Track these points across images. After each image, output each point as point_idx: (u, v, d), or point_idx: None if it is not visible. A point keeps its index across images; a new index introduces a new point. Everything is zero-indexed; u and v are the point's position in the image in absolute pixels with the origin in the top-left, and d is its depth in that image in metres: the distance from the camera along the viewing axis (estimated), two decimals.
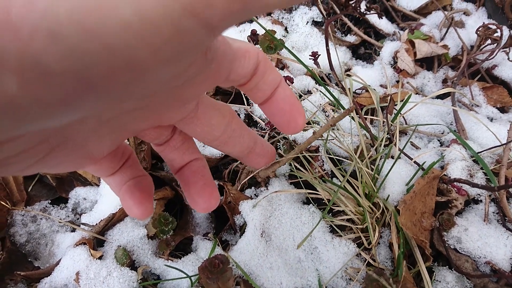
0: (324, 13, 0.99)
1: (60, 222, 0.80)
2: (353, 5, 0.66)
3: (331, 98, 0.81)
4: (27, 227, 0.81)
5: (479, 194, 0.76)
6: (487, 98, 0.90)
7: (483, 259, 0.69)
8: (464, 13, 1.04)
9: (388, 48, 0.98)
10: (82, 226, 0.75)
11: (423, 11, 1.07)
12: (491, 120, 0.88)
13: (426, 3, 1.06)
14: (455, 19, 1.02)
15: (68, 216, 0.82)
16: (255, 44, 0.90)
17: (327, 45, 0.76)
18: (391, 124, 0.78)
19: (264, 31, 0.86)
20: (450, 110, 0.88)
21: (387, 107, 0.76)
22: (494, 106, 0.90)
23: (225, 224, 0.86)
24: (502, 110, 0.91)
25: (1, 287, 0.73)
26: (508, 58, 0.90)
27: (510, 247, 0.69)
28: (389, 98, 0.75)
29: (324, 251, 0.71)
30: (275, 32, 0.88)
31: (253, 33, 0.89)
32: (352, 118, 0.80)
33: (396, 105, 0.85)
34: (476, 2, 1.06)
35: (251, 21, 1.04)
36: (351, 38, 1.04)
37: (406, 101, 0.78)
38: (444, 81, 0.95)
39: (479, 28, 0.89)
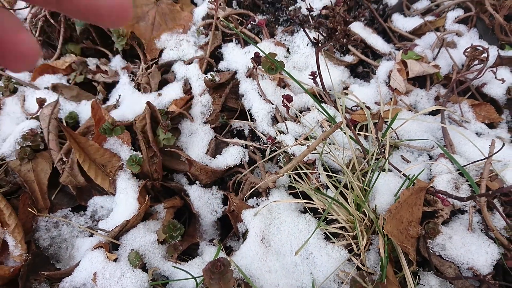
0: (319, 36, 1.07)
1: (80, 228, 0.88)
2: (338, 34, 0.74)
3: (329, 116, 0.88)
4: (50, 232, 0.90)
5: (464, 205, 0.81)
6: (476, 115, 0.96)
7: (465, 265, 0.74)
8: (456, 34, 1.11)
9: (383, 67, 1.05)
10: (99, 232, 0.83)
11: (418, 32, 1.14)
12: (479, 135, 0.94)
13: (420, 24, 1.12)
14: (448, 40, 1.09)
15: (86, 223, 0.90)
16: (258, 65, 0.98)
17: (318, 68, 0.83)
18: (382, 140, 0.84)
19: (268, 53, 0.94)
20: (440, 126, 0.94)
21: (377, 124, 0.83)
22: (482, 122, 0.96)
23: (229, 231, 0.93)
24: (491, 125, 0.97)
25: (26, 286, 0.81)
26: (496, 77, 0.96)
27: (491, 254, 0.75)
28: (379, 115, 0.81)
29: (318, 256, 0.78)
30: (275, 55, 0.96)
31: (256, 55, 0.97)
32: (345, 133, 0.86)
33: (387, 121, 0.91)
34: (468, 23, 1.12)
35: (256, 43, 1.12)
36: (349, 58, 1.11)
37: (394, 118, 0.85)
38: (436, 99, 1.01)
39: (466, 49, 0.96)
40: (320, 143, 0.83)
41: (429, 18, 1.14)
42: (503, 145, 0.76)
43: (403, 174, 0.82)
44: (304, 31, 0.87)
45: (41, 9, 1.12)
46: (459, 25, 1.12)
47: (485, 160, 0.79)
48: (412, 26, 1.14)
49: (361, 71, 1.13)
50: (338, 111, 0.89)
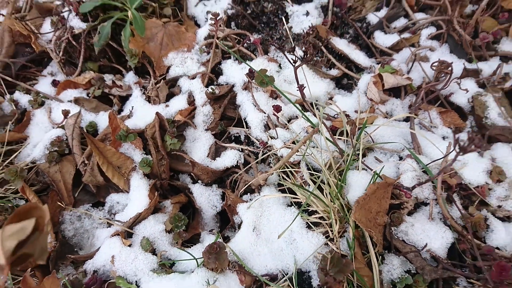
0: (306, 53, 1.21)
1: (99, 220, 1.03)
2: (315, 55, 0.88)
3: (310, 123, 1.02)
4: (74, 224, 1.05)
5: (427, 198, 0.95)
6: (443, 121, 1.10)
7: (423, 246, 0.88)
8: (429, 49, 1.24)
9: (364, 80, 1.19)
10: (116, 222, 0.98)
11: (396, 47, 1.28)
12: (444, 138, 1.08)
13: (397, 41, 1.26)
14: (421, 55, 1.23)
15: (105, 216, 1.05)
16: (252, 79, 1.13)
17: (297, 82, 0.97)
18: (356, 143, 0.99)
19: (260, 69, 1.09)
20: (415, 124, 1.07)
21: (351, 130, 0.97)
22: (448, 127, 1.09)
23: (227, 224, 1.07)
24: (457, 130, 1.10)
25: (55, 268, 0.97)
26: (460, 87, 1.09)
27: (446, 239, 0.88)
28: (351, 123, 0.96)
29: (300, 242, 0.92)
30: (266, 70, 1.11)
31: (250, 71, 1.12)
32: (326, 138, 1.01)
33: (365, 127, 1.05)
34: (440, 39, 1.26)
35: (251, 59, 1.27)
36: (334, 72, 1.25)
37: (364, 124, 0.99)
38: (410, 107, 1.15)
39: (433, 63, 1.10)
40: (301, 146, 0.97)
41: (406, 35, 1.28)
42: (450, 146, 0.89)
43: (374, 172, 0.96)
44: (284, 53, 1.01)
45: (65, 32, 1.29)
46: (432, 41, 1.26)
47: (443, 158, 0.92)
48: (391, 42, 1.28)
49: (346, 83, 1.27)
50: (317, 119, 1.03)
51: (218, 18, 1.20)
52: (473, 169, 0.98)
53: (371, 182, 0.91)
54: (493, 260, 0.79)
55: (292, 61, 0.86)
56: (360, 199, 0.87)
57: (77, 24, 1.28)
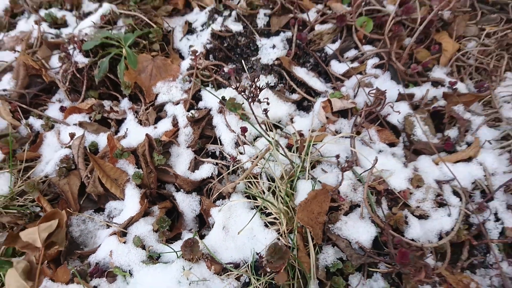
0: (277, 82, 1.46)
1: (100, 223, 1.28)
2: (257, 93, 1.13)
3: (269, 141, 1.27)
4: (79, 226, 1.30)
5: (360, 201, 1.19)
6: (380, 137, 1.34)
7: (354, 240, 1.12)
8: (374, 77, 1.49)
9: (318, 103, 1.44)
10: (113, 224, 1.23)
11: (347, 74, 1.52)
12: (380, 152, 1.32)
13: (347, 69, 1.51)
14: (366, 81, 1.47)
15: (104, 219, 1.30)
16: (223, 106, 1.37)
17: (253, 112, 1.21)
18: (305, 157, 1.23)
19: (230, 97, 1.34)
20: (355, 144, 1.32)
21: (299, 146, 1.22)
22: (383, 143, 1.34)
23: (204, 224, 1.32)
24: (392, 145, 1.35)
25: (65, 261, 1.21)
26: (393, 110, 1.34)
27: (370, 233, 1.12)
28: (305, 140, 1.20)
29: (259, 237, 1.16)
30: (235, 99, 1.36)
31: (223, 99, 1.37)
32: (282, 154, 1.25)
33: (315, 144, 1.30)
34: (383, 68, 1.50)
35: (226, 87, 1.51)
36: (295, 96, 1.50)
37: (311, 142, 1.24)
38: (355, 126, 1.40)
39: (370, 91, 1.34)
40: (259, 161, 1.22)
41: (355, 64, 1.53)
42: (376, 160, 1.14)
43: (319, 181, 1.20)
44: (243, 97, 1.26)
45: (70, 65, 1.54)
46: (376, 69, 1.50)
47: (369, 170, 1.17)
48: (343, 70, 1.53)
49: (306, 105, 1.51)
50: (275, 137, 1.28)
51: (197, 54, 1.45)
52: (398, 177, 1.22)
53: (312, 189, 1.15)
54: (401, 248, 1.03)
55: (246, 97, 1.10)
56: (302, 203, 1.12)
57: (80, 59, 1.53)
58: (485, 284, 1.10)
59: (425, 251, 1.12)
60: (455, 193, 1.21)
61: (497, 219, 1.17)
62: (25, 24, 1.78)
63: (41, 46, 1.66)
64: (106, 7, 1.64)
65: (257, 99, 1.10)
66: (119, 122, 1.50)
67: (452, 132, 1.31)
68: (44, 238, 0.70)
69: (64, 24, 1.78)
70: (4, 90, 1.51)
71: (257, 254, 1.11)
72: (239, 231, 1.14)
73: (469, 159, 1.25)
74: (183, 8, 1.83)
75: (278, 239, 1.15)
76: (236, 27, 1.63)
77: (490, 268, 1.13)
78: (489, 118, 1.31)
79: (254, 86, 1.09)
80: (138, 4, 1.77)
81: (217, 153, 1.41)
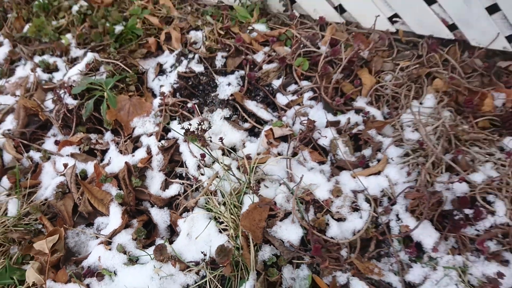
0: (231, 115, 1.80)
1: (91, 234, 1.61)
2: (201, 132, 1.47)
3: (222, 165, 1.61)
4: (74, 238, 1.62)
5: (296, 211, 1.53)
6: (311, 157, 1.69)
7: (286, 240, 1.46)
8: (309, 107, 1.84)
9: (265, 128, 1.78)
10: (101, 235, 1.56)
11: (288, 105, 1.87)
12: (311, 169, 1.66)
13: (288, 101, 1.86)
14: (303, 111, 1.82)
15: (94, 232, 1.63)
16: (187, 136, 1.71)
17: (204, 146, 1.56)
18: (250, 176, 1.57)
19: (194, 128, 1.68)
20: (292, 164, 1.66)
21: (245, 167, 1.56)
22: (314, 161, 1.68)
23: (174, 232, 1.65)
24: (321, 163, 1.69)
25: (64, 266, 1.54)
26: (321, 135, 1.69)
27: (298, 234, 1.46)
28: (249, 163, 1.55)
29: (214, 241, 1.49)
30: (194, 131, 1.70)
31: (187, 130, 1.71)
32: (233, 175, 1.59)
33: (260, 164, 1.64)
34: (316, 99, 1.86)
35: (189, 119, 1.85)
36: (246, 125, 1.85)
37: (255, 163, 1.58)
38: (295, 148, 1.74)
39: (302, 121, 1.69)
40: (214, 180, 1.56)
41: (295, 97, 1.88)
42: (302, 177, 1.48)
43: (259, 196, 1.54)
44: (194, 136, 1.60)
45: (62, 106, 1.87)
46: (311, 101, 1.85)
47: (297, 185, 1.51)
48: (285, 102, 1.88)
49: (256, 131, 1.86)
50: (222, 163, 1.62)
51: (165, 94, 1.80)
52: (322, 189, 1.57)
53: (253, 202, 1.50)
54: (316, 244, 1.37)
55: (197, 137, 1.44)
56: (245, 213, 1.46)
57: (70, 101, 1.87)
58: (387, 269, 1.44)
59: (341, 245, 1.46)
60: (367, 200, 1.56)
61: (398, 219, 1.52)
62: (22, 70, 2.12)
63: (37, 90, 1.99)
64: (90, 56, 1.98)
65: (203, 137, 1.44)
66: (103, 152, 1.83)
67: (367, 151, 1.66)
68: (50, 247, 1.04)
69: (56, 69, 2.12)
70: (8, 130, 1.84)
71: (204, 254, 1.45)
72: (197, 236, 1.48)
73: (378, 173, 1.60)
74: (156, 50, 2.17)
75: (228, 241, 1.48)
76: (198, 68, 1.98)
77: (391, 256, 1.47)
78: (396, 139, 1.66)
79: (200, 129, 1.43)
80: (117, 49, 2.11)
81: (183, 174, 1.74)
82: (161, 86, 1.98)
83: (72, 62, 2.13)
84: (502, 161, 1.53)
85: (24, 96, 1.94)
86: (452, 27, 1.82)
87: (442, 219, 1.49)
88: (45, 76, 2.07)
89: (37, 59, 2.15)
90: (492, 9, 1.66)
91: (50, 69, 2.12)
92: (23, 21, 2.31)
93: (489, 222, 1.43)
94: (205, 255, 1.42)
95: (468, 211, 1.45)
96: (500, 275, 1.27)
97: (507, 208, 1.42)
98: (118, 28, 2.14)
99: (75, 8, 2.26)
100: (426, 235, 1.45)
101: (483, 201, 1.46)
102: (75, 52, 2.17)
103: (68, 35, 2.21)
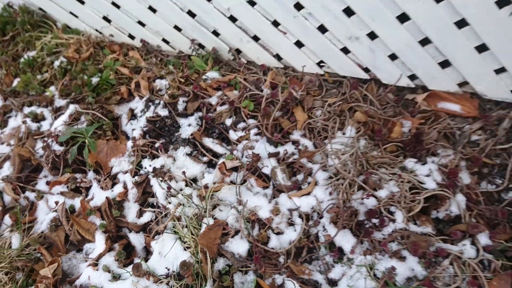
0: (192, 152, 2.20)
1: (81, 258, 1.99)
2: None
3: (185, 196, 2.00)
4: (67, 262, 2.00)
5: (240, 227, 1.93)
6: (257, 184, 2.09)
7: (236, 252, 1.86)
8: (255, 141, 2.25)
9: (219, 162, 2.18)
10: (89, 259, 1.94)
11: (238, 140, 2.27)
12: (257, 193, 2.07)
13: (238, 137, 2.26)
14: (250, 145, 2.23)
15: (83, 256, 2.01)
16: (155, 171, 2.11)
17: (170, 180, 1.96)
18: (207, 202, 1.97)
19: (160, 165, 2.08)
20: (242, 191, 2.05)
21: (201, 195, 1.96)
22: (259, 187, 2.09)
23: (149, 252, 2.03)
24: (265, 187, 2.10)
25: (60, 285, 1.91)
26: (263, 165, 2.10)
27: (246, 247, 1.86)
28: (206, 191, 1.95)
29: (180, 257, 1.88)
30: (164, 166, 2.09)
31: (155, 169, 2.10)
32: (193, 202, 1.98)
33: (216, 191, 2.04)
34: (261, 134, 2.26)
35: (158, 157, 2.25)
36: (205, 159, 2.25)
37: (210, 191, 1.98)
38: (244, 176, 2.14)
39: (247, 155, 2.09)
40: (178, 208, 1.96)
41: (243, 133, 2.29)
42: (247, 201, 1.89)
43: (215, 218, 1.94)
44: (159, 179, 1.99)
45: (50, 152, 2.25)
46: (256, 136, 2.26)
47: (244, 206, 1.91)
48: (236, 137, 2.28)
49: (214, 163, 2.26)
50: (184, 193, 2.01)
51: (136, 138, 2.19)
52: (265, 209, 1.97)
53: (208, 224, 1.90)
54: (258, 255, 1.77)
55: (162, 180, 1.84)
56: (202, 233, 1.85)
57: (57, 148, 2.25)
58: (315, 270, 1.85)
59: (279, 254, 1.86)
60: (300, 216, 1.96)
61: (324, 229, 1.93)
62: (14, 121, 2.49)
63: (28, 138, 2.37)
64: (72, 108, 2.36)
65: (168, 173, 1.83)
66: (88, 189, 2.21)
67: (300, 177, 2.07)
68: (52, 272, 1.42)
69: (43, 118, 2.49)
70: (7, 176, 2.21)
71: (168, 269, 1.84)
72: (166, 254, 1.88)
73: (308, 193, 2.01)
74: (128, 96, 2.56)
75: (191, 256, 1.88)
76: (163, 112, 2.38)
77: (319, 260, 1.88)
78: (322, 165, 2.08)
79: (167, 174, 1.83)
80: (95, 98, 2.50)
81: (155, 203, 2.14)
82: (133, 129, 2.37)
83: (57, 111, 2.51)
84: (402, 178, 1.95)
85: (17, 145, 2.32)
86: (367, 69, 2.25)
87: (358, 227, 1.91)
88: (34, 126, 2.45)
89: (26, 110, 2.53)
90: (393, 57, 2.10)
91: (38, 118, 2.49)
92: (12, 76, 2.68)
93: (391, 228, 1.85)
94: (168, 269, 1.81)
95: (375, 220, 1.87)
96: (393, 268, 1.69)
97: (404, 216, 1.84)
98: (95, 80, 2.52)
99: (57, 63, 2.64)
100: (346, 241, 1.86)
101: (386, 211, 1.88)
102: (59, 102, 2.54)
103: (52, 88, 2.59)
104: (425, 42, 1.95)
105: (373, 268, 1.78)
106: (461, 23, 1.80)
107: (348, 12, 1.96)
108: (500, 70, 1.93)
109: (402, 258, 1.79)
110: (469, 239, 1.79)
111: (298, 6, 2.04)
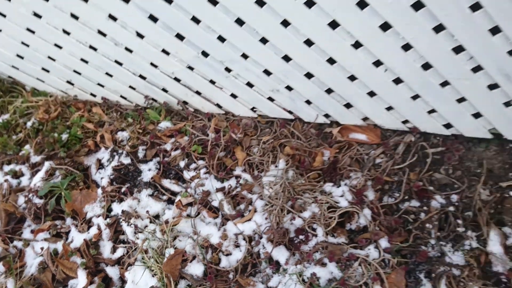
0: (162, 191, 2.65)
1: None
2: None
3: (144, 231, 2.45)
4: None
5: (196, 253, 2.39)
6: (208, 215, 2.56)
7: (194, 274, 2.31)
8: (205, 179, 2.71)
9: (177, 199, 2.64)
10: None
11: (193, 178, 2.74)
12: (209, 223, 2.53)
13: (192, 176, 2.73)
14: (200, 183, 2.69)
15: None
16: (122, 213, 2.54)
17: (136, 218, 2.40)
18: (168, 235, 2.43)
19: (127, 208, 2.52)
20: (198, 223, 2.51)
21: (162, 229, 2.41)
22: (211, 218, 2.56)
23: (124, 282, 2.46)
24: (215, 217, 2.57)
25: None
26: (213, 198, 2.57)
27: (202, 269, 2.32)
28: (167, 226, 2.40)
29: (149, 283, 2.33)
30: (129, 211, 2.53)
31: (123, 211, 2.53)
32: (156, 236, 2.43)
33: (174, 226, 2.49)
34: (209, 173, 2.73)
35: (124, 200, 2.69)
36: (164, 197, 2.70)
37: (170, 226, 2.44)
38: (197, 210, 2.61)
39: (199, 192, 2.56)
40: (144, 243, 2.41)
41: (195, 173, 2.75)
42: (199, 232, 2.35)
43: (175, 248, 2.39)
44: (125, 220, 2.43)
45: (32, 205, 2.64)
46: (205, 174, 2.73)
47: (197, 236, 2.38)
48: (189, 177, 2.74)
49: (172, 200, 2.71)
50: (149, 229, 2.46)
51: (105, 186, 2.63)
52: (215, 236, 2.44)
53: (170, 254, 2.35)
54: (211, 274, 2.24)
55: (126, 223, 2.29)
56: (166, 262, 2.30)
57: (38, 201, 2.65)
58: (259, 281, 2.33)
59: (229, 271, 2.34)
60: (244, 239, 2.44)
61: (264, 247, 2.41)
62: None
63: (11, 194, 2.76)
64: (47, 164, 2.77)
65: (134, 213, 2.28)
66: (67, 233, 2.63)
67: (242, 206, 2.56)
68: None
69: (22, 174, 2.89)
70: None
71: None
72: (137, 282, 2.32)
73: (250, 219, 2.50)
74: (95, 148, 2.99)
75: (157, 282, 2.33)
76: (126, 160, 2.82)
77: (261, 272, 2.36)
78: (260, 195, 2.56)
79: (135, 214, 2.28)
80: (66, 152, 2.91)
81: (125, 240, 2.57)
82: (101, 178, 2.80)
83: (33, 167, 2.90)
84: (321, 200, 2.46)
85: (2, 201, 2.71)
86: (291, 111, 2.76)
87: (290, 243, 2.40)
88: (15, 182, 2.84)
89: (6, 168, 2.91)
90: (309, 102, 2.62)
91: (17, 175, 2.88)
92: None
93: (314, 241, 2.35)
94: None
95: (302, 236, 2.37)
96: (314, 274, 2.19)
97: (324, 231, 2.35)
98: (64, 136, 2.94)
99: (29, 124, 3.04)
100: (281, 255, 2.35)
101: (310, 229, 2.38)
102: (34, 158, 2.94)
103: (27, 146, 2.98)
104: (329, 91, 2.48)
105: (302, 274, 2.27)
106: (352, 78, 2.33)
107: (268, 72, 2.47)
108: (389, 108, 2.47)
109: (324, 264, 2.29)
110: (373, 244, 2.31)
111: (228, 69, 2.53)
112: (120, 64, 2.69)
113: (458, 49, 1.98)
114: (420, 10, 1.82)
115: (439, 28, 1.89)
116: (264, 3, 1.99)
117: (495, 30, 1.84)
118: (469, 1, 1.72)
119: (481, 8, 1.74)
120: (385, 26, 1.95)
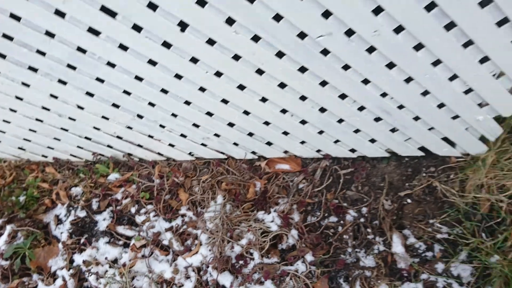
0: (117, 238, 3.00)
1: None
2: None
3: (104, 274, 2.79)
4: None
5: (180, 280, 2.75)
6: (161, 253, 2.93)
7: None
8: (155, 221, 3.08)
9: (131, 243, 2.99)
10: None
11: (143, 223, 3.10)
12: (161, 260, 2.90)
13: (142, 221, 3.09)
14: (152, 224, 3.06)
15: None
16: (84, 263, 2.87)
17: (97, 265, 2.74)
18: (126, 276, 2.78)
19: (88, 257, 2.85)
20: (152, 262, 2.87)
21: (120, 271, 2.77)
22: (163, 255, 2.93)
23: None
24: (167, 255, 2.94)
25: None
26: (163, 238, 2.95)
27: (192, 284, 2.69)
28: (124, 269, 2.76)
29: None
30: (93, 262, 2.86)
31: (84, 261, 2.86)
32: (115, 279, 2.78)
33: (133, 266, 2.84)
34: (158, 215, 3.10)
35: (84, 251, 3.01)
36: (120, 242, 3.04)
37: (128, 268, 2.79)
38: (151, 250, 2.97)
39: (150, 234, 2.93)
40: (106, 286, 2.75)
41: (145, 217, 3.11)
42: (154, 270, 2.72)
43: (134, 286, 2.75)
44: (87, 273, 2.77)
45: (1, 268, 2.92)
46: (155, 217, 3.10)
47: (152, 275, 2.75)
48: (141, 220, 3.10)
49: (128, 244, 3.05)
50: (109, 274, 2.80)
51: (65, 240, 2.95)
52: (168, 271, 2.81)
53: None
54: None
55: (89, 274, 2.63)
56: None
57: (4, 262, 2.93)
58: None
59: None
60: (193, 270, 2.83)
61: (211, 275, 2.81)
62: None
63: None
64: (9, 228, 3.05)
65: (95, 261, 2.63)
66: None
67: (189, 242, 2.95)
68: None
69: None
70: None
71: None
72: None
73: (197, 252, 2.89)
74: (51, 205, 3.29)
75: None
76: (82, 213, 3.14)
77: None
78: (203, 230, 2.96)
79: (95, 262, 2.63)
80: (25, 213, 3.20)
81: (89, 286, 2.89)
82: (61, 232, 3.11)
83: None
84: (255, 228, 2.89)
85: None
86: (223, 152, 3.19)
87: (233, 268, 2.81)
88: None
89: None
90: (236, 144, 3.05)
91: None
92: None
93: (252, 264, 2.78)
94: None
95: (242, 261, 2.79)
96: None
97: (259, 254, 2.78)
98: (22, 198, 3.23)
99: None
100: (226, 279, 2.75)
101: (248, 254, 2.81)
102: None
103: None
104: (251, 134, 2.92)
105: None
106: (267, 123, 2.78)
107: (197, 125, 2.88)
108: (303, 142, 2.94)
109: (262, 283, 2.71)
110: (301, 259, 2.75)
111: (163, 126, 2.92)
112: (66, 130, 3.02)
113: (343, 96, 2.47)
114: (305, 73, 2.29)
115: (324, 83, 2.37)
116: (181, 77, 2.41)
117: (366, 81, 2.34)
118: (341, 63, 2.20)
119: (350, 68, 2.23)
120: (283, 85, 2.42)
